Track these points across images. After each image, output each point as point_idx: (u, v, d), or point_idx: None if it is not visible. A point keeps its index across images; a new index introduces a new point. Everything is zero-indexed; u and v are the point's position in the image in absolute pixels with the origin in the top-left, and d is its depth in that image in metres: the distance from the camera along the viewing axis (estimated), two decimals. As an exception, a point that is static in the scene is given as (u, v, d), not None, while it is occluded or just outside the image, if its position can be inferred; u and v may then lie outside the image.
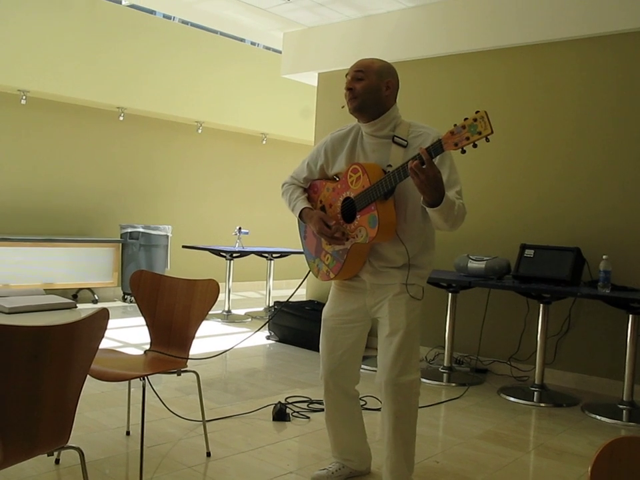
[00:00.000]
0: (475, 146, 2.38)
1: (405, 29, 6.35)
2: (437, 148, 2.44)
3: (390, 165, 2.71)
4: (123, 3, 8.48)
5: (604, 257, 4.66)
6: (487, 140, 2.36)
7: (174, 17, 9.11)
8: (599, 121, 5.30)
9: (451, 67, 6.13)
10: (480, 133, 2.34)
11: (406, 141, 2.75)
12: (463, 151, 2.42)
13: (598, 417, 4.50)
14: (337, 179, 2.96)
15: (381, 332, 2.87)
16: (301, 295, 7.30)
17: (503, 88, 5.74)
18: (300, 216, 2.96)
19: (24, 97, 7.77)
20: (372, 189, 2.67)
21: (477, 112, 2.36)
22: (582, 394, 5.09)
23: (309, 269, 3.13)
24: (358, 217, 2.75)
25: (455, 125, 2.40)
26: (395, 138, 2.77)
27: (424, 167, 2.41)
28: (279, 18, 6.97)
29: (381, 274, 2.84)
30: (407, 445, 2.84)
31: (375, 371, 2.89)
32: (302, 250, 3.14)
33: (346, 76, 2.83)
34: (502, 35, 5.73)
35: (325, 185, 2.97)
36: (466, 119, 2.37)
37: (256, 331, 4.19)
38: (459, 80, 6.06)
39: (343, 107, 2.88)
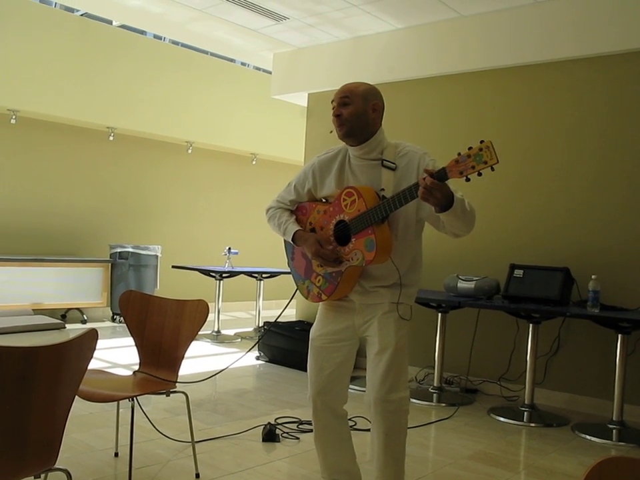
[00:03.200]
0: (479, 174, 2.41)
1: (395, 50, 6.40)
2: (441, 176, 2.44)
3: (383, 189, 2.73)
4: (114, 23, 8.51)
5: (593, 276, 4.68)
6: (492, 169, 2.39)
7: (164, 38, 9.15)
8: (588, 142, 5.34)
9: (441, 88, 6.18)
10: (486, 162, 2.37)
11: (394, 164, 2.77)
12: (468, 179, 2.43)
13: (588, 437, 4.49)
14: (326, 201, 2.97)
15: (369, 350, 2.87)
16: (291, 315, 7.28)
17: (493, 109, 5.79)
18: (293, 239, 2.95)
19: (14, 117, 7.77)
20: (369, 213, 2.67)
21: (481, 142, 2.39)
22: (572, 414, 5.09)
23: (295, 289, 3.13)
24: (353, 240, 2.74)
25: (460, 154, 2.41)
26: (384, 162, 2.78)
27: (435, 190, 2.43)
28: (269, 39, 7.02)
29: (370, 294, 2.85)
30: (397, 464, 2.83)
31: (364, 391, 2.88)
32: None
33: (332, 102, 2.85)
34: (492, 55, 5.78)
35: (315, 207, 2.97)
36: (470, 149, 2.40)
37: (246, 352, 4.17)
38: (449, 101, 6.10)
39: (331, 131, 2.90)
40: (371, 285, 2.83)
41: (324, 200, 3.00)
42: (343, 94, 2.80)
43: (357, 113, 2.77)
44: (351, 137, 2.81)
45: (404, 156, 2.79)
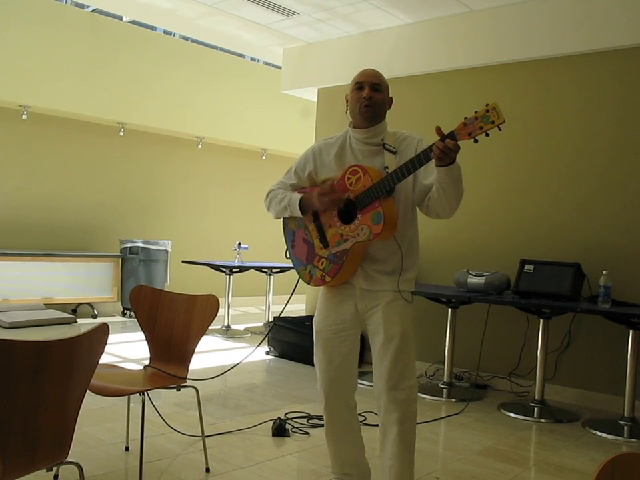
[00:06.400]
0: (487, 135, 2.48)
1: (405, 44, 6.39)
2: (452, 138, 2.52)
3: (387, 167, 2.79)
4: (124, 19, 8.53)
5: (604, 272, 4.66)
6: (499, 129, 2.46)
7: (174, 33, 9.16)
8: (599, 136, 5.32)
9: (451, 83, 6.16)
10: (493, 122, 2.45)
11: (395, 148, 2.86)
12: (476, 140, 2.50)
13: (599, 433, 4.48)
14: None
15: (375, 340, 2.88)
16: (300, 310, 7.29)
17: (503, 103, 5.71)
18: (300, 206, 2.92)
19: (25, 112, 7.79)
20: (376, 186, 2.72)
21: (487, 104, 2.48)
22: (582, 410, 5.07)
23: (297, 280, 3.14)
24: (359, 216, 2.77)
25: (466, 118, 2.50)
26: (385, 145, 2.86)
27: (452, 151, 2.53)
28: (279, 34, 7.01)
29: (371, 278, 2.86)
30: (411, 453, 2.84)
31: (371, 385, 2.89)
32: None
33: (357, 83, 2.89)
34: (502, 50, 5.76)
35: (317, 188, 2.98)
36: (477, 112, 2.49)
37: (256, 347, 4.18)
38: (459, 95, 6.08)
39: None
40: (373, 268, 2.85)
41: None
42: (375, 79, 2.89)
43: (383, 101, 2.90)
44: (371, 121, 2.87)
45: (403, 140, 2.90)
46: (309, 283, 3.04)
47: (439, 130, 2.56)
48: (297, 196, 2.96)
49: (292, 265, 3.20)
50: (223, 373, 4.49)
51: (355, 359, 3.02)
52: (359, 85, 2.88)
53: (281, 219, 3.17)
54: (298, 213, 2.95)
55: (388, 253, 2.83)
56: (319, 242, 2.96)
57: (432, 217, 2.86)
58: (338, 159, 2.93)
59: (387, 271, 2.85)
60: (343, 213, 2.84)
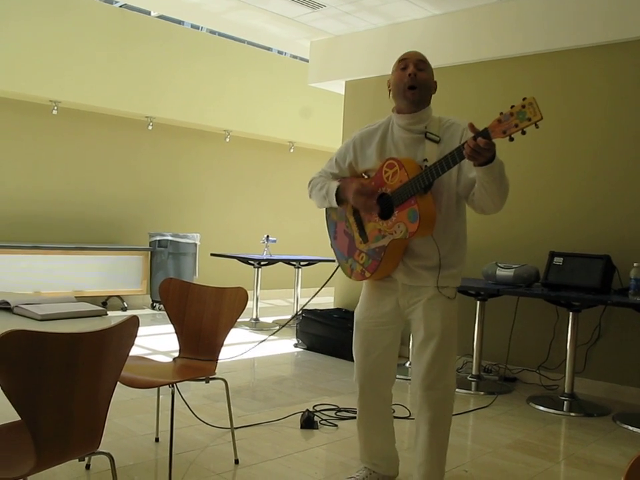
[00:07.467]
0: (523, 133, 2.33)
1: (431, 36, 6.35)
2: (485, 136, 2.37)
3: (426, 160, 2.69)
4: (152, 14, 8.58)
5: (635, 264, 4.60)
6: (537, 126, 2.30)
7: (202, 27, 9.20)
8: (626, 126, 5.25)
9: (477, 74, 6.12)
10: (530, 119, 2.29)
11: (438, 136, 2.74)
12: (511, 139, 2.36)
13: (630, 428, 4.44)
14: (367, 177, 2.94)
15: (415, 336, 2.85)
16: (329, 302, 7.29)
17: (529, 94, 5.68)
18: (337, 195, 2.88)
19: (55, 108, 7.88)
20: (411, 182, 2.63)
21: (524, 99, 2.32)
22: (613, 403, 5.03)
23: (334, 270, 3.11)
24: (396, 212, 2.70)
25: (502, 113, 2.35)
26: (428, 134, 2.75)
27: (485, 150, 2.38)
28: (306, 27, 7.01)
29: (413, 274, 2.81)
30: (441, 452, 2.83)
31: (404, 379, 2.88)
32: (329, 258, 3.13)
33: (401, 61, 2.79)
34: (527, 41, 5.70)
35: (357, 182, 2.92)
36: (513, 107, 2.33)
37: (272, 333, 4.19)
38: (485, 87, 6.04)
39: None
40: (414, 264, 2.79)
41: (365, 176, 2.96)
42: (419, 57, 2.78)
43: (429, 81, 2.79)
44: (416, 105, 2.76)
45: (448, 128, 2.77)
46: (350, 277, 3.00)
47: (472, 127, 2.42)
48: (334, 185, 2.91)
49: (319, 258, 3.18)
50: (252, 347, 4.50)
51: (395, 353, 2.98)
52: (403, 63, 2.77)
53: (324, 210, 3.13)
54: (334, 203, 2.91)
55: (429, 248, 2.75)
56: (358, 235, 2.91)
57: (478, 212, 2.76)
58: (378, 149, 2.86)
59: (428, 266, 2.78)
60: (382, 206, 2.78)
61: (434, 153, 2.70)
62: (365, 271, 2.87)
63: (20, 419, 1.89)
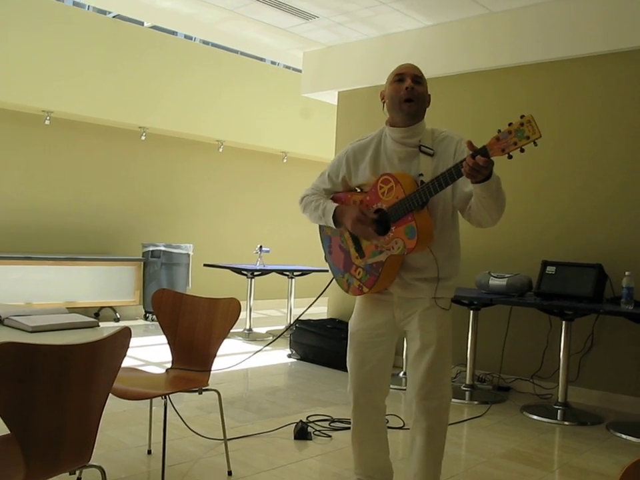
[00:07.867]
0: (522, 151, 2.33)
1: (424, 47, 6.37)
2: (482, 155, 2.36)
3: (421, 174, 2.68)
4: (146, 24, 8.59)
5: (626, 273, 4.62)
6: (535, 144, 2.31)
7: (195, 38, 9.22)
8: (619, 136, 5.27)
9: (471, 85, 6.14)
10: (528, 138, 2.29)
11: (432, 150, 2.73)
12: (510, 157, 2.36)
13: (623, 436, 4.44)
14: (360, 191, 2.92)
15: (411, 347, 2.85)
16: (322, 313, 7.29)
17: (523, 104, 5.73)
18: (334, 217, 2.86)
19: (48, 118, 7.88)
20: (408, 199, 2.62)
21: (522, 116, 2.31)
22: (606, 412, 5.03)
23: (328, 283, 3.10)
24: (393, 228, 2.68)
25: (500, 131, 2.34)
26: (422, 147, 2.74)
27: (484, 168, 2.37)
28: (299, 37, 7.03)
29: (409, 287, 2.80)
30: (436, 462, 2.82)
31: (398, 389, 2.88)
32: (322, 268, 3.12)
33: (396, 75, 2.78)
34: (521, 51, 5.73)
35: (351, 197, 2.91)
36: (511, 124, 2.32)
37: (265, 345, 4.18)
38: (479, 97, 6.06)
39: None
40: (411, 277, 2.79)
41: (359, 190, 2.95)
42: (416, 71, 2.77)
43: (424, 95, 2.77)
44: (412, 117, 2.75)
45: (442, 141, 2.76)
46: (347, 292, 2.99)
47: (470, 144, 2.40)
48: (331, 207, 2.87)
49: (313, 268, 3.17)
50: (245, 360, 4.48)
51: (389, 365, 2.97)
52: (399, 76, 2.75)
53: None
54: (331, 224, 2.88)
55: (426, 261, 2.74)
56: (354, 251, 2.89)
57: (475, 225, 2.74)
58: (372, 164, 2.83)
59: (425, 279, 2.78)
60: (378, 222, 2.75)
61: (429, 167, 2.70)
62: (363, 286, 2.86)
63: (9, 432, 1.87)
